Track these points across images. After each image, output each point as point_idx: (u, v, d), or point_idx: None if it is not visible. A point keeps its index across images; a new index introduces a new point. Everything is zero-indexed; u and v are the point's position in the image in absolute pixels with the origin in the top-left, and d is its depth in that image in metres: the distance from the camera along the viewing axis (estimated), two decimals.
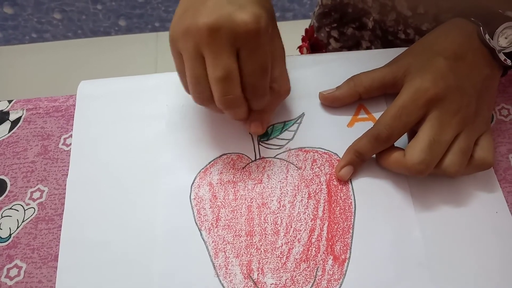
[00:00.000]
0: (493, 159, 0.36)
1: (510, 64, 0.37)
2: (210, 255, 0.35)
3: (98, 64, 1.58)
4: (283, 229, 0.36)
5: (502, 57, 0.36)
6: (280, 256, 0.35)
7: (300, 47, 0.70)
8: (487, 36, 0.36)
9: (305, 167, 0.38)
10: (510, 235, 0.36)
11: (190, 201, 0.37)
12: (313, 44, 0.68)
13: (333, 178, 0.38)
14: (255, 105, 0.35)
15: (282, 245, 0.35)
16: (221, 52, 0.31)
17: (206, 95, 0.33)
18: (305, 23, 0.73)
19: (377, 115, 0.39)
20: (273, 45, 0.34)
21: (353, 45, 0.64)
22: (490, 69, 0.37)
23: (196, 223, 0.36)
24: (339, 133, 0.40)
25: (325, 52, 0.67)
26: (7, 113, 0.43)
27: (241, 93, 0.33)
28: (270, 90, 0.35)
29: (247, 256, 0.35)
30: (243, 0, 0.31)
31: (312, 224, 0.36)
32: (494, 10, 0.37)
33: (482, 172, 0.37)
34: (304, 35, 0.70)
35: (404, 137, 0.37)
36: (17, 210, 0.38)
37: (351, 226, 0.36)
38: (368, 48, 0.62)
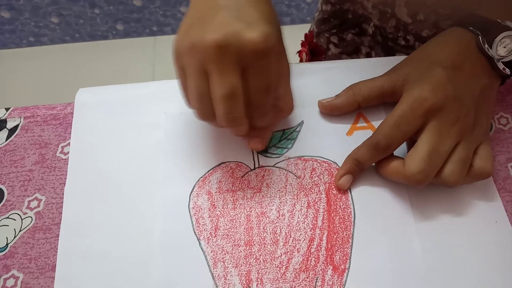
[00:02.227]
0: (492, 168, 0.36)
1: (509, 73, 0.37)
2: (209, 265, 0.35)
3: (95, 68, 1.58)
4: (282, 238, 0.36)
5: (500, 66, 0.36)
6: (280, 266, 0.35)
7: (299, 52, 0.70)
8: (485, 45, 0.36)
9: (304, 176, 0.38)
10: (510, 244, 0.36)
11: (189, 210, 0.37)
12: (312, 49, 0.68)
13: (333, 187, 0.38)
14: (256, 123, 0.35)
15: (281, 255, 0.35)
16: (226, 70, 0.30)
17: (209, 112, 0.33)
18: (303, 28, 0.73)
19: (376, 124, 0.39)
20: (279, 63, 0.33)
21: (353, 50, 0.64)
22: (488, 78, 0.37)
23: (194, 232, 0.36)
24: (338, 142, 0.40)
25: (325, 57, 0.67)
26: (5, 121, 0.43)
27: (244, 111, 0.32)
28: (273, 108, 0.35)
29: (246, 266, 0.35)
30: (252, 17, 0.30)
31: (311, 234, 0.36)
32: (493, 19, 0.37)
33: (481, 181, 0.37)
34: (303, 40, 0.70)
35: (403, 146, 0.37)
36: (14, 219, 0.38)
37: (351, 235, 0.36)
38: (368, 53, 0.62)
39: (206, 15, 0.31)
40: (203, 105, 0.32)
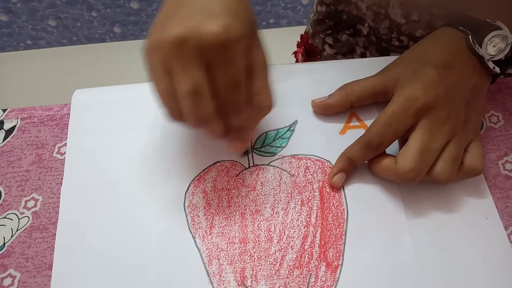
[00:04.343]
0: (483, 165, 0.37)
1: (499, 71, 0.37)
2: (204, 263, 0.35)
3: (93, 71, 1.59)
4: (276, 236, 0.36)
5: (491, 65, 0.37)
6: (274, 263, 0.35)
7: (295, 53, 0.70)
8: (476, 45, 0.37)
9: (298, 174, 0.39)
10: (500, 241, 0.36)
11: (184, 208, 0.37)
12: (308, 50, 0.69)
13: (326, 185, 0.38)
14: (232, 122, 0.33)
15: (275, 252, 0.35)
16: (188, 65, 0.29)
17: (176, 112, 0.31)
18: (299, 30, 0.74)
19: (368, 123, 0.40)
20: (251, 56, 0.31)
21: (348, 51, 0.64)
22: (479, 77, 0.38)
23: (190, 230, 0.37)
24: (331, 141, 0.40)
25: (320, 58, 0.68)
26: (1, 122, 0.43)
27: (213, 109, 0.30)
28: (250, 105, 0.33)
29: (240, 263, 0.35)
30: (214, 9, 0.29)
31: (305, 231, 0.36)
32: (482, 19, 0.37)
33: (472, 178, 0.38)
34: (299, 41, 0.71)
35: (395, 144, 0.38)
36: (11, 219, 0.38)
37: (344, 232, 0.36)
38: (362, 54, 0.63)
39: (171, 13, 0.30)
40: (171, 104, 0.31)
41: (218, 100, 0.31)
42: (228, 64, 0.30)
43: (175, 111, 0.31)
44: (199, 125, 0.32)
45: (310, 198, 0.38)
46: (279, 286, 0.34)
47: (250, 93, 0.32)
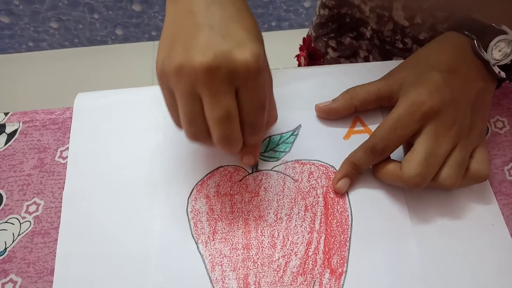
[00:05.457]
0: (488, 171, 0.36)
1: (504, 76, 0.37)
2: (206, 269, 0.35)
3: (95, 73, 1.59)
4: (280, 242, 0.36)
5: (496, 69, 0.37)
6: (277, 269, 0.35)
7: (297, 56, 0.70)
8: (481, 49, 0.36)
9: (302, 179, 0.38)
10: (506, 247, 0.36)
11: (187, 213, 0.37)
12: (310, 53, 0.69)
13: (330, 190, 0.38)
14: (251, 141, 0.34)
15: (279, 258, 0.35)
16: (220, 92, 0.29)
17: (203, 134, 0.32)
18: (301, 32, 0.74)
19: (373, 128, 0.40)
20: (269, 79, 0.33)
21: (351, 54, 0.64)
22: (484, 82, 0.37)
23: (192, 236, 0.36)
24: (335, 145, 0.40)
25: (323, 61, 0.68)
26: (3, 126, 0.43)
27: (240, 131, 0.31)
28: None
29: (244, 269, 0.35)
30: (239, 35, 0.30)
31: (309, 237, 0.36)
32: (487, 23, 0.37)
33: (477, 184, 0.38)
34: (301, 44, 0.70)
35: (400, 149, 0.37)
36: (12, 224, 0.38)
37: (348, 239, 0.36)
38: (365, 57, 0.62)
39: (187, 34, 0.30)
40: (196, 127, 0.31)
41: (243, 123, 0.31)
42: (257, 90, 0.30)
43: (201, 134, 0.32)
44: (225, 147, 0.32)
45: (314, 203, 0.37)
46: None
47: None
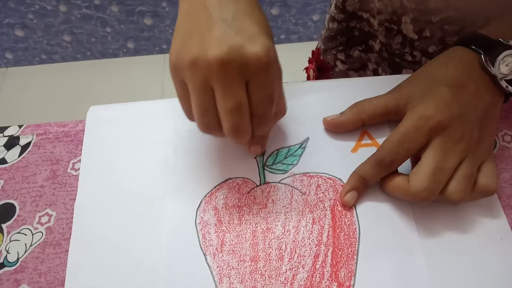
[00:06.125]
0: (497, 185, 0.36)
1: None
2: (214, 280, 0.35)
3: (106, 85, 1.61)
4: (287, 254, 0.36)
5: (503, 84, 0.37)
6: (285, 282, 0.35)
7: (306, 69, 0.71)
8: (488, 64, 0.37)
9: (310, 192, 0.39)
10: None
11: (196, 225, 0.38)
12: (319, 66, 0.69)
13: (337, 203, 0.38)
14: (259, 132, 0.35)
15: (286, 271, 0.35)
16: (232, 84, 0.30)
17: (214, 125, 0.33)
18: (310, 45, 0.75)
19: (380, 141, 0.40)
20: (279, 72, 0.34)
21: (360, 67, 0.65)
22: (492, 96, 0.37)
23: (201, 247, 0.37)
24: (343, 158, 0.40)
25: (332, 74, 0.68)
26: (17, 138, 0.44)
27: (250, 122, 0.33)
28: None
29: (251, 281, 0.35)
30: (252, 30, 0.31)
31: (316, 250, 0.36)
32: (494, 38, 0.37)
33: (486, 198, 0.37)
34: (310, 57, 0.71)
35: (407, 163, 0.37)
36: (25, 234, 0.39)
37: (356, 252, 0.36)
38: (374, 70, 0.63)
39: (202, 27, 0.31)
40: (208, 119, 0.33)
41: (253, 114, 0.33)
42: (267, 83, 0.32)
43: (212, 125, 0.33)
44: (235, 138, 0.33)
45: (321, 216, 0.37)
46: None
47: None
